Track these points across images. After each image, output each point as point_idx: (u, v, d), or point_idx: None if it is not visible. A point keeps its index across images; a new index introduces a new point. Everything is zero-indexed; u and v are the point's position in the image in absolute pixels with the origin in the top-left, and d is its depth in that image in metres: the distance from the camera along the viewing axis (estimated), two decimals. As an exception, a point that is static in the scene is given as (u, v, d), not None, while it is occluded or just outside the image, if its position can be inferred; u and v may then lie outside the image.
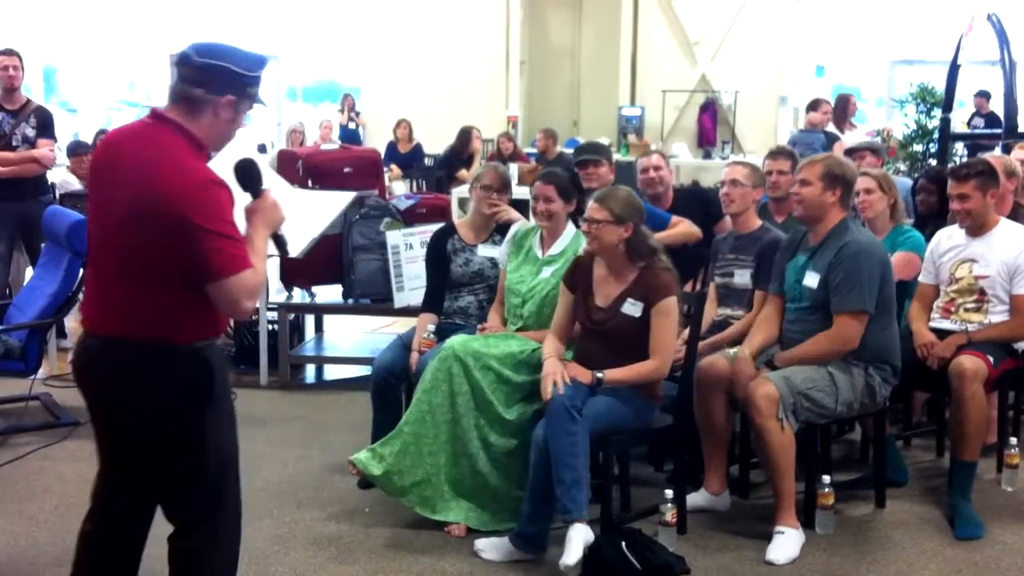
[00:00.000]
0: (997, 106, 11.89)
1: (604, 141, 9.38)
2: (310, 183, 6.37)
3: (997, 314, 4.51)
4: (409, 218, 6.36)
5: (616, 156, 10.61)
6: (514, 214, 4.89)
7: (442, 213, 6.61)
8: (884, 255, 4.18)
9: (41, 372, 5.63)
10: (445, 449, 4.09)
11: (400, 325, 6.17)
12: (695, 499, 4.26)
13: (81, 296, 4.37)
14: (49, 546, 3.96)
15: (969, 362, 4.24)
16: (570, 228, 4.51)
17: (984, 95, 12.85)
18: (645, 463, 4.74)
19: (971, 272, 4.56)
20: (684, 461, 4.20)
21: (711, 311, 4.61)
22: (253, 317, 6.49)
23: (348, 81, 15.43)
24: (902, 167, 11.35)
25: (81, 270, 5.14)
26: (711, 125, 14.23)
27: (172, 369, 2.74)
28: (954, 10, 12.32)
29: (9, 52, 7.04)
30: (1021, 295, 4.45)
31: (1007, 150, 6.70)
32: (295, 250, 5.84)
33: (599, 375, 3.91)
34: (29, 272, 6.83)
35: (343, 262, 6.26)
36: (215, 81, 2.74)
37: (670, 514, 3.94)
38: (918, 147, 11.86)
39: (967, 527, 4.14)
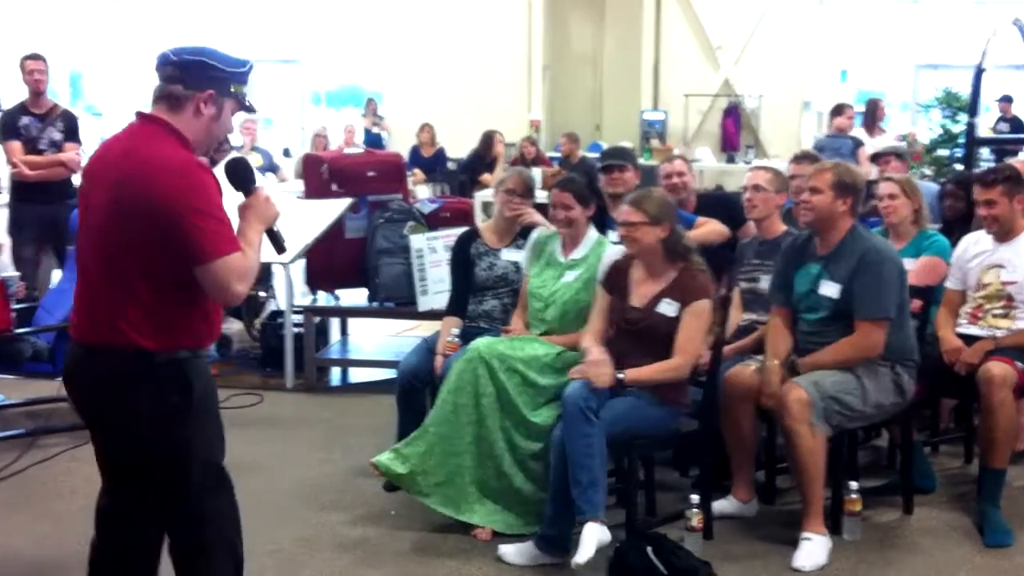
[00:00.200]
0: (1021, 110, 11.85)
1: (627, 145, 9.37)
2: (334, 187, 6.38)
3: (1025, 320, 4.47)
4: (433, 222, 6.37)
5: (639, 160, 10.57)
6: (537, 217, 4.89)
7: (465, 217, 6.62)
8: (899, 259, 4.18)
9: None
10: (470, 450, 4.09)
11: (424, 328, 6.17)
12: (723, 506, 4.25)
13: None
14: (75, 546, 3.94)
15: (998, 368, 4.20)
16: (592, 232, 4.51)
17: (1007, 99, 12.77)
18: (670, 468, 4.73)
19: (998, 278, 4.53)
20: (709, 466, 4.19)
21: (736, 316, 4.60)
22: (279, 320, 6.53)
23: (371, 86, 15.47)
24: (927, 172, 11.29)
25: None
26: (734, 129, 14.18)
27: (148, 379, 2.71)
28: (979, 15, 12.27)
29: (36, 57, 7.11)
30: (1049, 301, 4.42)
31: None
32: (287, 255, 5.87)
33: (619, 375, 3.90)
34: (56, 275, 6.89)
35: (367, 266, 6.28)
36: (194, 76, 2.74)
37: (696, 519, 3.94)
38: (943, 152, 11.80)
39: (996, 534, 4.11)
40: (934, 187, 6.61)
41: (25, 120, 7.01)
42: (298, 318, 6.37)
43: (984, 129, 11.21)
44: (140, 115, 2.81)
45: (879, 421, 4.33)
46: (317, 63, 15.75)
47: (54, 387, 5.23)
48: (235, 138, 10.62)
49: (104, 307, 2.71)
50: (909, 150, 9.17)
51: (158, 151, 2.67)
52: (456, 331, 4.68)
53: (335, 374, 6.75)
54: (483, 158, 12.52)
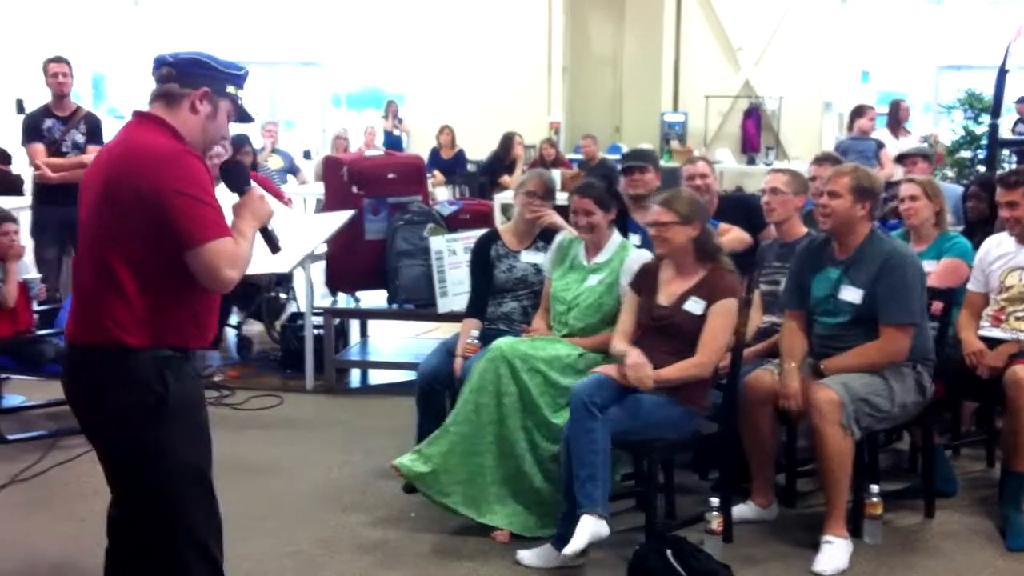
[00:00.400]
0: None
1: (647, 147, 9.36)
2: (355, 189, 6.40)
3: (1049, 323, 4.45)
4: (452, 224, 6.38)
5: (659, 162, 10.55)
6: (557, 218, 4.89)
7: (485, 219, 6.62)
8: (919, 261, 4.18)
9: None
10: (491, 449, 4.10)
11: (443, 330, 6.19)
12: (743, 511, 4.23)
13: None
14: (97, 548, 3.95)
15: (1024, 371, 4.17)
16: (615, 236, 4.50)
17: (1024, 101, 12.66)
18: (690, 471, 4.72)
19: (1021, 280, 4.51)
20: (729, 469, 4.18)
21: (756, 318, 4.59)
22: (299, 322, 6.55)
23: (391, 88, 15.50)
24: (949, 173, 11.22)
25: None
26: (755, 131, 14.14)
27: (125, 375, 2.69)
28: (1001, 15, 12.18)
29: (59, 59, 7.17)
30: (1073, 304, 4.39)
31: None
32: (286, 265, 5.89)
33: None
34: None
35: (387, 268, 6.29)
36: (189, 73, 2.76)
37: (716, 522, 3.93)
38: (966, 153, 11.73)
39: (1018, 538, 4.08)
40: (957, 189, 6.58)
41: (48, 122, 7.06)
42: (318, 320, 6.39)
43: (1005, 131, 11.15)
44: (136, 114, 2.83)
45: (901, 423, 4.31)
46: (338, 65, 15.79)
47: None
48: (256, 140, 10.67)
49: (92, 304, 2.71)
50: (930, 152, 9.10)
51: (147, 141, 2.69)
52: (476, 333, 4.68)
53: (355, 376, 6.77)
54: (502, 160, 12.54)
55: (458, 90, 14.45)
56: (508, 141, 12.48)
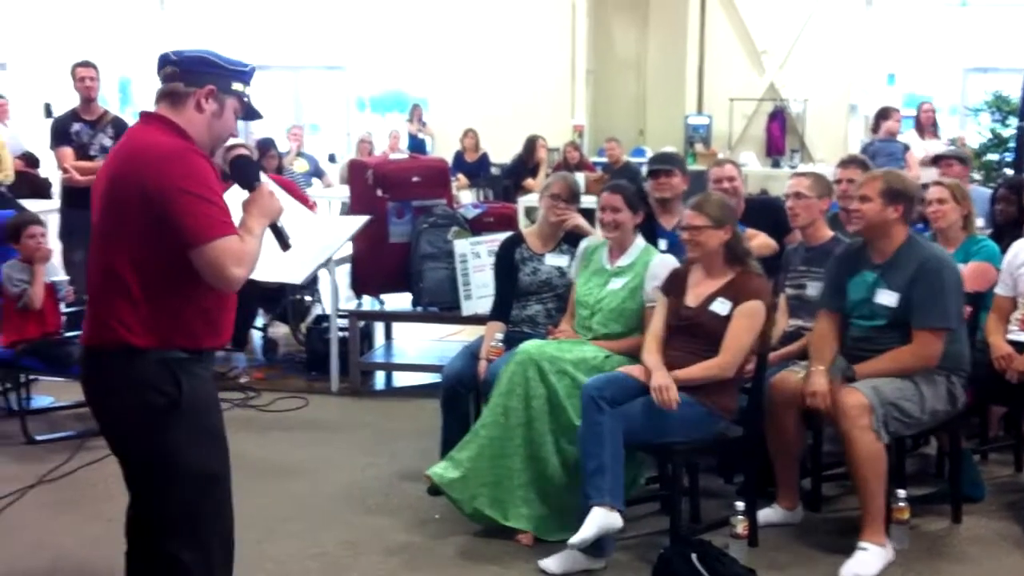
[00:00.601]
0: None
1: (670, 150, 9.34)
2: (379, 192, 6.42)
3: (1077, 327, 4.41)
4: (476, 227, 6.38)
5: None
6: (581, 221, 4.89)
7: (509, 222, 6.62)
8: (958, 268, 4.14)
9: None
10: (519, 452, 4.10)
11: (467, 333, 6.21)
12: (768, 515, 4.22)
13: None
14: (122, 548, 4.02)
15: (1056, 375, 4.15)
16: (639, 241, 4.49)
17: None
18: (715, 475, 4.70)
19: (1050, 284, 4.47)
20: (755, 473, 4.16)
21: (782, 322, 4.57)
22: (324, 324, 6.57)
23: (415, 91, 15.54)
24: (976, 176, 11.13)
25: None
26: (780, 134, 14.09)
27: (135, 377, 2.66)
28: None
29: (87, 64, 7.22)
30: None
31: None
32: (300, 276, 5.91)
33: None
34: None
35: (412, 270, 6.30)
36: (194, 71, 2.73)
37: (741, 526, 3.91)
38: (993, 156, 11.63)
39: (1047, 544, 4.05)
40: (985, 192, 6.53)
41: (76, 126, 7.12)
42: (343, 322, 6.41)
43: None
44: (142, 114, 2.80)
45: (928, 428, 4.28)
46: (362, 69, 15.84)
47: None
48: (282, 144, 10.73)
49: (101, 306, 2.69)
50: (966, 154, 9.04)
51: (151, 140, 2.66)
52: (500, 336, 4.68)
53: (379, 378, 6.78)
54: (526, 163, 12.55)
55: (482, 93, 14.47)
56: (532, 144, 12.49)
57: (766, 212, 5.32)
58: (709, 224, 4.04)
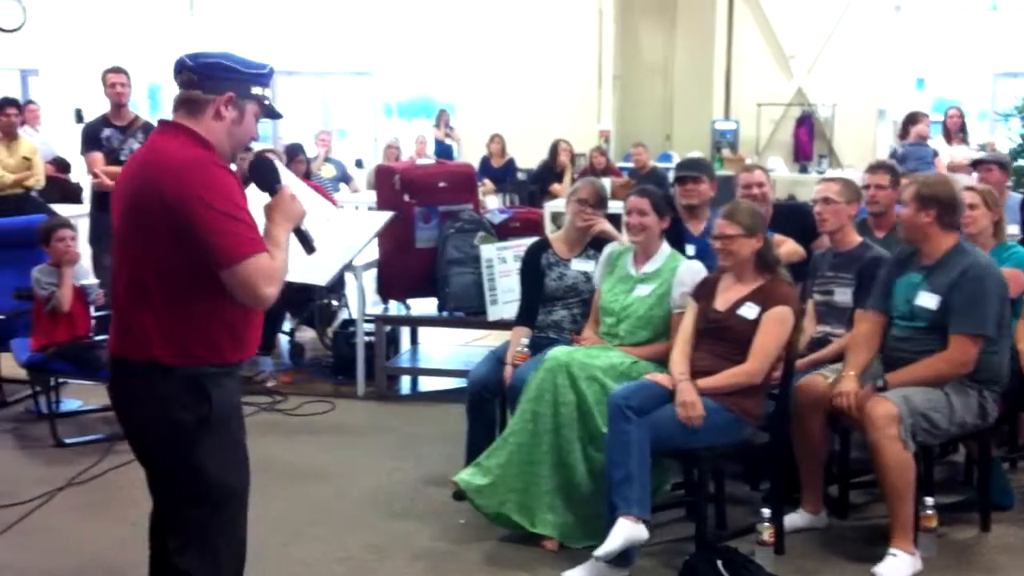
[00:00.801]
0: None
1: (698, 155, 9.30)
2: (406, 197, 6.44)
3: (1109, 334, 4.36)
4: (503, 232, 6.39)
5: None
6: (607, 226, 4.88)
7: (535, 227, 6.62)
8: (1003, 278, 4.10)
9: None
10: (547, 459, 4.10)
11: (493, 338, 6.21)
12: (793, 519, 4.20)
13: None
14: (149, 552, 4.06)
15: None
16: (665, 247, 4.48)
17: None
18: (741, 482, 4.68)
19: (1081, 291, 4.43)
20: (781, 479, 4.14)
21: (810, 328, 4.54)
22: (351, 329, 6.59)
23: (442, 97, 15.57)
24: (1007, 182, 11.03)
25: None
26: (808, 139, 14.02)
27: (159, 391, 2.62)
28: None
29: (117, 70, 7.30)
30: None
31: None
32: (325, 277, 5.92)
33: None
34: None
35: (438, 275, 6.32)
36: (212, 78, 2.66)
37: (767, 533, 3.89)
38: (1023, 162, 11.54)
39: (1077, 553, 4.01)
40: (1017, 197, 6.46)
41: (107, 132, 7.19)
42: (369, 327, 6.43)
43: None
44: (161, 123, 2.76)
45: (959, 436, 4.25)
46: (390, 75, 15.90)
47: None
48: (310, 149, 10.78)
49: (126, 316, 2.67)
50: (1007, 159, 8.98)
51: (171, 149, 2.60)
52: (526, 341, 4.68)
53: (405, 383, 6.80)
54: (552, 168, 12.57)
55: (508, 99, 14.49)
56: (554, 148, 12.55)
57: (794, 218, 5.30)
58: (741, 233, 4.04)
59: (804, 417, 4.14)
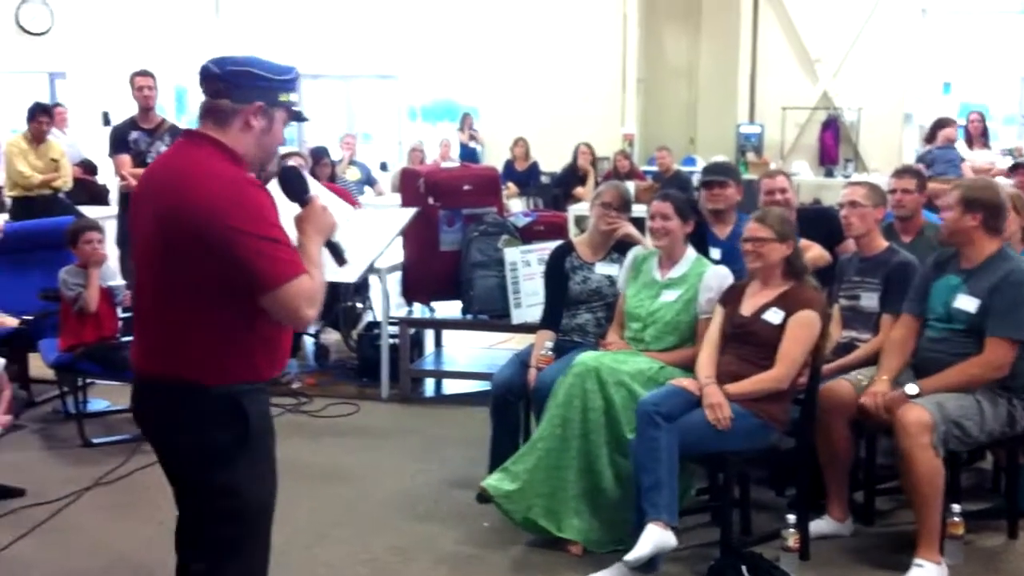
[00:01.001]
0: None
1: (723, 159, 9.28)
2: (431, 200, 6.46)
3: None
4: (527, 235, 6.40)
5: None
6: (632, 230, 4.88)
7: (559, 231, 6.63)
8: None
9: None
10: (574, 464, 4.10)
11: (517, 341, 6.21)
12: (818, 526, 4.18)
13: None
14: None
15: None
16: (690, 252, 4.47)
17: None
18: (766, 487, 4.67)
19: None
20: (807, 485, 4.12)
21: (836, 333, 4.52)
22: (375, 331, 6.62)
23: (466, 100, 15.60)
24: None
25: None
26: (833, 143, 13.95)
27: (202, 413, 2.55)
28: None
29: (145, 73, 7.35)
30: None
31: None
32: (353, 275, 5.93)
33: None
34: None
35: (462, 278, 6.33)
36: (240, 88, 2.57)
37: (792, 539, 3.88)
38: (1051, 166, 11.44)
39: (1106, 562, 3.97)
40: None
41: (134, 134, 7.24)
42: (394, 329, 6.45)
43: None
44: (187, 132, 2.67)
45: (988, 444, 4.23)
46: (414, 79, 15.94)
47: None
48: (334, 152, 10.83)
49: (156, 335, 2.59)
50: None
51: (206, 170, 2.50)
52: (550, 344, 4.69)
53: (429, 385, 6.81)
54: (576, 172, 12.57)
55: (532, 102, 14.50)
56: (575, 151, 12.55)
57: (819, 222, 5.27)
58: (772, 237, 4.04)
59: (827, 421, 4.12)
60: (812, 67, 14.04)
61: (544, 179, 13.41)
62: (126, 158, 7.18)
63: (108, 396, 6.00)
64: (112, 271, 5.96)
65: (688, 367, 4.16)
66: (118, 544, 4.26)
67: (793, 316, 3.97)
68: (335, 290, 6.71)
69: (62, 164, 8.83)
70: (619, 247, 4.84)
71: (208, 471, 2.59)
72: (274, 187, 2.69)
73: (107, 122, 10.83)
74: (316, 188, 3.11)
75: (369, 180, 11.98)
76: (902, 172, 5.14)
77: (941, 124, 9.26)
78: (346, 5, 15.15)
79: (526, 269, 6.00)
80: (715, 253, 4.72)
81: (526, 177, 13.30)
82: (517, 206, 11.84)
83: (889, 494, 4.48)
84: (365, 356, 6.73)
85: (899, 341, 4.17)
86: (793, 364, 3.95)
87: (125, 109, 7.99)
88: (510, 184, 12.64)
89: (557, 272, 4.90)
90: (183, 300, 2.51)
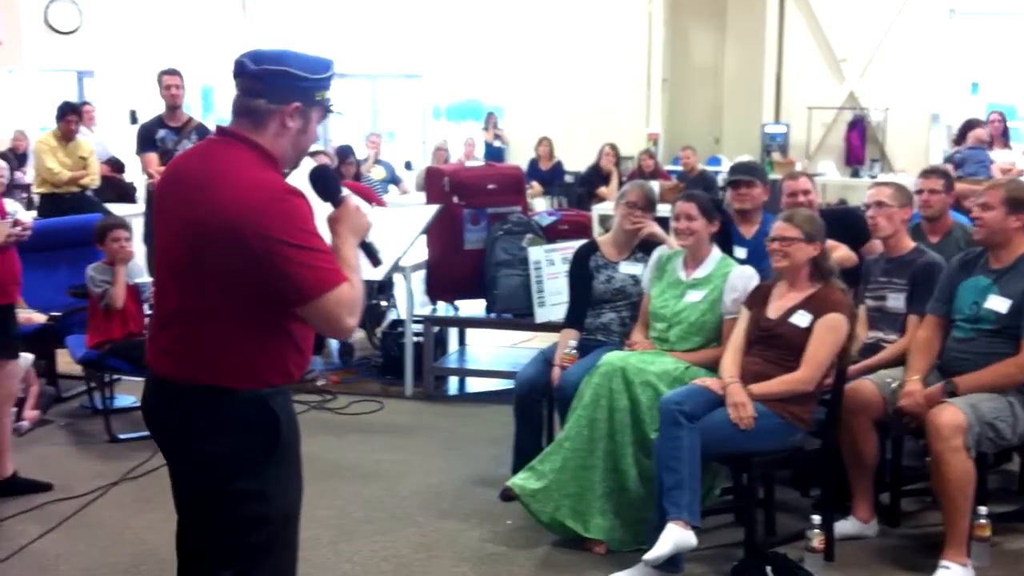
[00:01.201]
0: None
1: (748, 158, 9.25)
2: (455, 199, 6.47)
3: None
4: (551, 234, 6.40)
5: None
6: (657, 229, 4.87)
7: (583, 230, 6.62)
8: None
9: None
10: (600, 464, 4.10)
11: (540, 340, 6.21)
12: (843, 527, 4.16)
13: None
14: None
15: None
16: (715, 252, 4.46)
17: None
18: (790, 488, 4.65)
19: None
20: (832, 486, 4.11)
21: (862, 334, 4.50)
22: (400, 329, 6.63)
23: (490, 100, 15.62)
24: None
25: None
26: (859, 143, 13.86)
27: (228, 418, 2.44)
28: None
29: (172, 72, 7.40)
30: None
31: None
32: (380, 273, 5.92)
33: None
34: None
35: (486, 277, 6.34)
36: (277, 88, 2.47)
37: (817, 540, 3.86)
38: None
39: None
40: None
41: (162, 133, 7.29)
42: (418, 327, 6.47)
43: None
44: (220, 130, 2.55)
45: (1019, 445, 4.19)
46: (439, 78, 15.98)
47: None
48: (360, 151, 10.87)
49: (181, 339, 2.47)
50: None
51: (244, 177, 2.39)
52: (573, 343, 4.69)
53: (453, 383, 6.82)
54: (599, 171, 12.57)
55: (557, 102, 14.50)
56: (600, 152, 12.56)
57: (844, 223, 5.23)
58: (800, 237, 4.03)
59: (852, 422, 4.11)
60: (838, 67, 13.97)
61: (568, 178, 13.42)
62: (153, 156, 7.24)
63: (134, 392, 6.02)
64: (139, 268, 6.00)
65: (714, 367, 4.15)
66: (144, 538, 4.29)
67: (821, 319, 3.95)
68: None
69: (90, 162, 8.90)
70: (643, 246, 4.83)
71: (235, 477, 2.47)
72: (303, 184, 2.61)
73: (134, 120, 10.91)
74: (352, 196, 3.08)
75: (394, 179, 12.02)
76: (929, 172, 5.11)
77: (971, 125, 9.21)
78: (372, 5, 15.21)
79: (550, 268, 6.00)
80: (740, 252, 4.71)
81: (550, 176, 13.31)
82: (541, 205, 11.85)
83: (915, 495, 4.46)
84: (389, 354, 6.76)
85: (926, 341, 4.15)
86: (819, 367, 3.94)
87: (152, 107, 8.05)
88: (534, 183, 12.66)
89: (581, 271, 4.90)
90: (215, 305, 2.41)
